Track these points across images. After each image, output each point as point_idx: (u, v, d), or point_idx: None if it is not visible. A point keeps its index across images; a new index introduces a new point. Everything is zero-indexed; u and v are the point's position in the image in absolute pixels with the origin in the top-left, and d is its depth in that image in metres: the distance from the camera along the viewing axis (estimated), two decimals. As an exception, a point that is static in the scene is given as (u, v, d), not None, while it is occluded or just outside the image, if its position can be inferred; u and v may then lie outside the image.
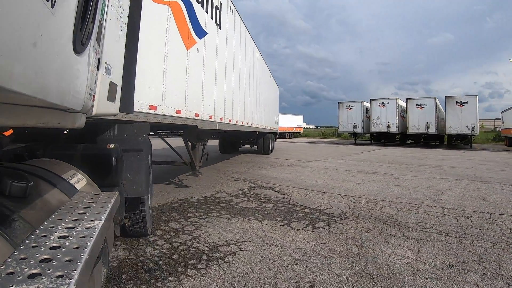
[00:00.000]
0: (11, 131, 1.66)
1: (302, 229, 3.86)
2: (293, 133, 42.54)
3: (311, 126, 71.40)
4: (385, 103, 26.23)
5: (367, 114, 28.38)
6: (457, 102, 23.31)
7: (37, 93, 0.99)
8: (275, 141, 18.29)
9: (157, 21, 3.82)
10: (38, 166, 1.67)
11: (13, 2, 0.78)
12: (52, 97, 1.10)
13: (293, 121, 42.22)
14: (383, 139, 29.43)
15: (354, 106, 28.57)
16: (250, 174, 8.10)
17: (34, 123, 1.20)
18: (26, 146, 2.14)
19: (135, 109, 3.25)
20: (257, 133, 13.22)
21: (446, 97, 24.02)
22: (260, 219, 4.27)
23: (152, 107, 3.70)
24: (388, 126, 25.93)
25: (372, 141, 30.32)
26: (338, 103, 29.33)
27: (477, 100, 23.30)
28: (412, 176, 8.28)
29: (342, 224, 4.06)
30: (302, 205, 5.01)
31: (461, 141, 26.54)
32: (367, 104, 28.47)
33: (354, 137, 30.13)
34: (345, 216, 4.42)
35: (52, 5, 0.99)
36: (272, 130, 16.27)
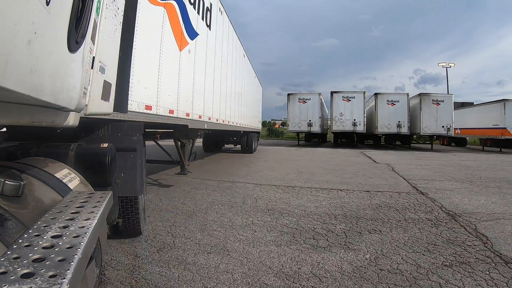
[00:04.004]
0: (4, 129, 1.65)
1: None
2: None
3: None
4: (350, 97, 22.45)
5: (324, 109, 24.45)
6: (433, 100, 21.50)
7: (31, 92, 0.99)
8: (258, 140, 18.33)
9: (153, 22, 3.87)
10: (31, 165, 1.65)
11: None
12: (46, 95, 1.10)
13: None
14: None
15: (309, 100, 23.39)
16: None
17: (28, 122, 1.19)
18: (20, 144, 2.11)
19: (132, 109, 3.31)
20: (241, 132, 13.32)
21: (421, 94, 22.08)
22: None
23: (148, 107, 3.76)
24: (354, 125, 22.13)
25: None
26: (288, 94, 23.96)
27: (453, 99, 21.96)
28: None
29: None
30: None
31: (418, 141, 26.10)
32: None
33: (298, 137, 25.71)
34: None
35: (47, 3, 0.98)
36: (255, 130, 16.54)
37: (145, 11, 3.53)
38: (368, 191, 6.19)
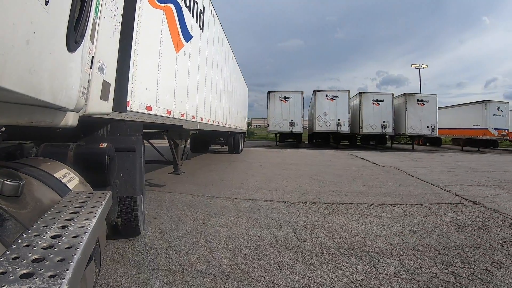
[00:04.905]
0: (3, 129, 1.64)
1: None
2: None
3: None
4: (334, 96, 21.38)
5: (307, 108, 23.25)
6: (418, 100, 21.19)
7: (30, 91, 0.99)
8: (244, 141, 18.36)
9: (153, 25, 3.97)
10: (30, 165, 1.65)
11: None
12: (44, 95, 1.09)
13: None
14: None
15: (291, 98, 22.02)
16: None
17: (27, 122, 1.19)
18: (19, 144, 2.11)
19: (134, 109, 3.39)
20: (229, 132, 13.46)
21: (406, 94, 21.69)
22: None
23: (148, 108, 3.87)
24: (339, 125, 21.22)
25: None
26: (268, 92, 22.36)
27: (437, 99, 21.79)
28: None
29: None
30: None
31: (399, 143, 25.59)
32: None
33: (276, 138, 24.09)
34: None
35: (46, 3, 0.98)
36: (242, 130, 16.77)
37: (146, 14, 3.62)
38: (421, 204, 5.34)
